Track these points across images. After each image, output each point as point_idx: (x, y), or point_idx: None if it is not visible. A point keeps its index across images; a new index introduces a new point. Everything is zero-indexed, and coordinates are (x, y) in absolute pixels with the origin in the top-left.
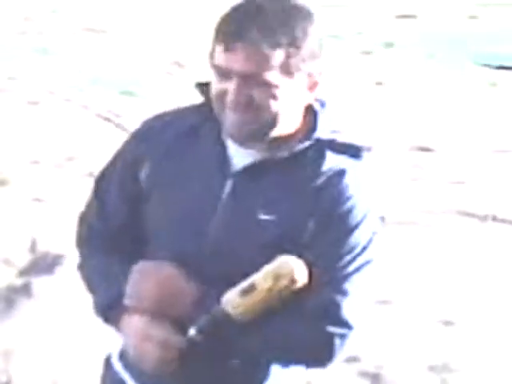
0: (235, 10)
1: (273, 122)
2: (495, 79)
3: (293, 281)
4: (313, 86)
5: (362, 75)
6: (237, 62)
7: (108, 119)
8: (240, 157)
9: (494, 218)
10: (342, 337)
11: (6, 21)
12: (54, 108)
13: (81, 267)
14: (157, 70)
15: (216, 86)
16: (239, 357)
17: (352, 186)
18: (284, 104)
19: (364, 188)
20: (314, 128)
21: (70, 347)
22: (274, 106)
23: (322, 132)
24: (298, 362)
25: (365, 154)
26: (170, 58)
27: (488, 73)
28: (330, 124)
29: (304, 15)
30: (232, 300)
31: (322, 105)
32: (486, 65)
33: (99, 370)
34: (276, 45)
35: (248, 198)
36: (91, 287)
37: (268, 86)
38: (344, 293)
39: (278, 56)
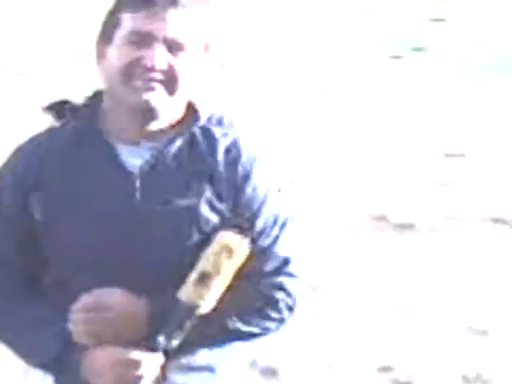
0: None
1: (180, 94)
2: None
3: (235, 253)
4: (206, 61)
5: (391, 80)
6: (162, 25)
7: None
8: (134, 154)
9: None
10: (288, 306)
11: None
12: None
13: None
14: None
15: (126, 55)
16: (205, 346)
17: (250, 156)
18: (190, 76)
19: (257, 153)
20: (197, 116)
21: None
22: (187, 79)
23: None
24: (253, 335)
25: (230, 121)
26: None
27: None
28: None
29: None
30: (190, 295)
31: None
32: None
33: None
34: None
35: (157, 191)
36: (19, 343)
37: (187, 56)
38: (279, 258)
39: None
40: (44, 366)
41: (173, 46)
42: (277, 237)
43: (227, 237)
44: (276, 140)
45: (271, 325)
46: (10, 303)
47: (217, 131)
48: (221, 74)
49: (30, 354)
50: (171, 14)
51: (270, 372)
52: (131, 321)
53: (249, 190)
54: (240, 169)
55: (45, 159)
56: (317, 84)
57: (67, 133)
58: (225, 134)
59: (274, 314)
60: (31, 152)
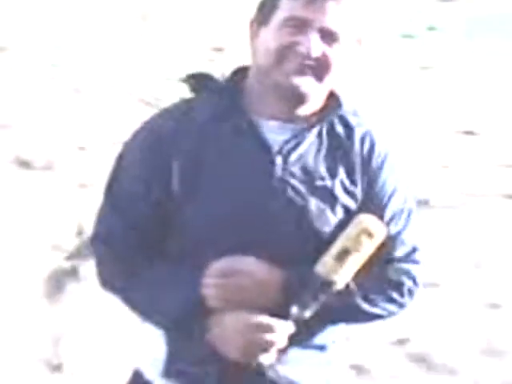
0: None
1: (328, 82)
2: None
3: (374, 236)
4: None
5: (405, 60)
6: (320, 14)
7: (150, 104)
8: (276, 132)
9: None
10: (410, 291)
11: (51, 8)
12: (97, 94)
13: (123, 286)
14: (198, 55)
15: (282, 38)
16: (331, 323)
17: (381, 143)
18: (341, 66)
19: (383, 141)
20: (339, 102)
21: (119, 329)
22: (337, 69)
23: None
24: (377, 318)
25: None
26: (211, 43)
27: None
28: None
29: None
30: (329, 268)
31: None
32: None
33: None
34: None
35: (299, 170)
36: (151, 301)
37: (340, 47)
38: (404, 243)
39: (354, 17)
40: (170, 328)
41: (328, 36)
42: (405, 225)
43: (368, 220)
44: None
45: (393, 308)
46: (140, 265)
47: (353, 120)
48: None
49: (157, 315)
50: (331, 4)
51: None
52: (265, 288)
53: (381, 180)
54: (374, 159)
55: (185, 130)
56: None
57: (208, 106)
58: (359, 124)
59: (398, 299)
60: (167, 124)
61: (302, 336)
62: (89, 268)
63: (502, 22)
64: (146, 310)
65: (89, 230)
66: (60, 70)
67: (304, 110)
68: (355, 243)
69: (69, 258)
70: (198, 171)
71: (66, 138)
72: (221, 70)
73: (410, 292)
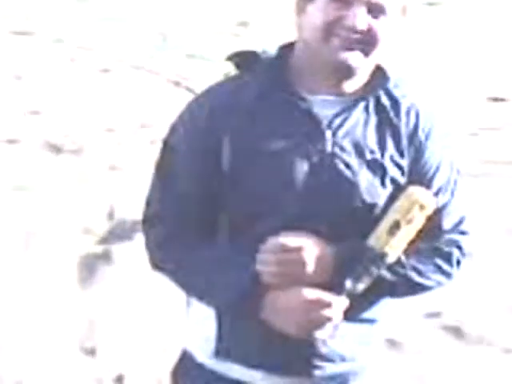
0: None
1: (375, 56)
2: None
3: (425, 209)
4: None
5: (429, 25)
6: None
7: (178, 83)
8: (325, 107)
9: None
10: (458, 261)
11: None
12: (124, 75)
13: (176, 267)
14: (222, 31)
15: (328, 13)
16: (384, 297)
17: (425, 115)
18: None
19: (428, 112)
20: (384, 70)
21: (152, 313)
22: (384, 42)
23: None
24: (426, 290)
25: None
26: (235, 18)
27: None
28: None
29: None
30: (381, 242)
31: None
32: None
33: (182, 334)
34: None
35: (348, 143)
36: (206, 281)
37: (386, 20)
38: (454, 215)
39: None
40: (226, 307)
41: (374, 9)
42: (452, 196)
43: (418, 192)
44: None
45: (443, 279)
46: (194, 245)
47: (397, 93)
48: None
49: (213, 295)
50: None
51: None
52: (319, 263)
53: (427, 152)
54: (420, 131)
55: (235, 108)
56: None
57: (256, 83)
58: (403, 96)
59: (448, 269)
60: (216, 101)
61: (355, 310)
62: (121, 251)
63: None
64: (200, 290)
65: (120, 213)
66: (87, 52)
67: (351, 84)
68: (406, 215)
69: (100, 241)
70: (249, 148)
71: (95, 120)
72: (247, 45)
73: (458, 262)
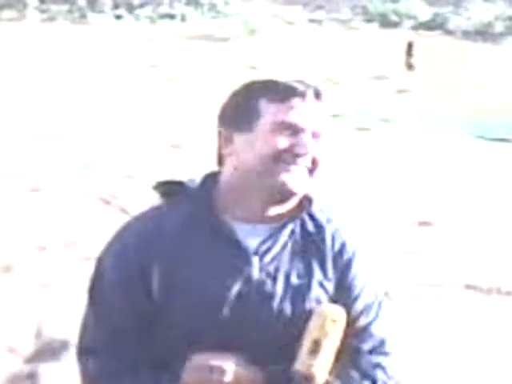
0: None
1: (316, 179)
2: (491, 151)
3: (338, 323)
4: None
5: (359, 151)
6: (308, 116)
7: (108, 202)
8: (251, 233)
9: (499, 291)
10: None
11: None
12: (54, 194)
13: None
14: (155, 152)
15: (276, 142)
16: None
17: (350, 239)
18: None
19: (355, 236)
20: (310, 200)
21: None
22: (322, 165)
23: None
24: None
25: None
26: (168, 141)
27: (483, 145)
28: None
29: None
30: (306, 364)
31: None
32: (480, 137)
33: None
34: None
35: (274, 269)
36: None
37: (321, 144)
38: (375, 339)
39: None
40: None
41: (315, 135)
42: (374, 318)
43: (327, 307)
44: None
45: None
46: (127, 377)
47: (322, 217)
48: None
49: None
50: (315, 105)
51: None
52: None
53: (351, 275)
54: (345, 255)
55: (160, 236)
56: None
57: (182, 211)
58: (328, 221)
59: None
60: (143, 230)
61: None
62: (48, 371)
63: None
64: None
65: (48, 332)
66: (18, 169)
67: (278, 210)
68: (322, 332)
69: (27, 361)
70: (176, 276)
71: (25, 238)
72: (179, 166)
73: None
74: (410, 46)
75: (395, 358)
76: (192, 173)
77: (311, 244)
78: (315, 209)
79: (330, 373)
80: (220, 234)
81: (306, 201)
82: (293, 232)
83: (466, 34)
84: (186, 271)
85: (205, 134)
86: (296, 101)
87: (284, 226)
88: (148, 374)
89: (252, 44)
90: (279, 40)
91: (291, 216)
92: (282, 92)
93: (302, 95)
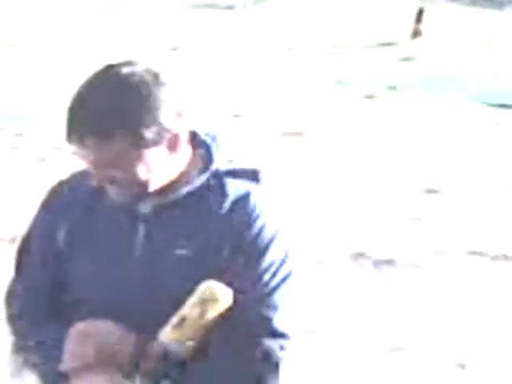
0: (71, 108)
1: (143, 186)
2: (498, 118)
3: (218, 302)
4: (173, 144)
5: (366, 119)
6: (86, 154)
7: None
8: (145, 203)
9: (506, 257)
10: (281, 347)
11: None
12: (61, 164)
13: (18, 344)
14: None
15: None
16: None
17: (258, 207)
18: (145, 169)
19: (270, 206)
20: (210, 161)
21: None
22: (136, 175)
23: (219, 163)
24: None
25: (263, 177)
26: None
27: (490, 111)
28: (225, 154)
29: (138, 93)
30: (168, 335)
31: (213, 139)
32: (486, 103)
33: None
34: (113, 133)
35: (161, 237)
36: (33, 361)
37: (119, 165)
38: (273, 307)
39: (117, 140)
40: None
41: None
42: (272, 288)
43: (211, 286)
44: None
45: (267, 368)
46: (29, 327)
47: (228, 182)
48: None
49: (40, 377)
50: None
51: None
52: (116, 353)
53: (247, 246)
54: (242, 223)
55: (69, 201)
56: (294, 126)
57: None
58: (231, 186)
59: (264, 357)
60: (59, 193)
61: None
62: None
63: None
64: (33, 370)
65: None
66: (24, 139)
67: (161, 181)
68: (195, 310)
69: None
70: (75, 240)
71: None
72: None
73: (281, 347)
74: (420, 12)
75: (289, 336)
76: None
77: (206, 211)
78: (225, 174)
79: (195, 349)
80: (116, 201)
81: (204, 166)
82: (186, 198)
83: (474, 1)
84: (84, 236)
85: (210, 103)
86: (80, 141)
87: (175, 191)
88: (47, 328)
89: (258, 12)
90: (285, 8)
91: (183, 182)
92: (69, 131)
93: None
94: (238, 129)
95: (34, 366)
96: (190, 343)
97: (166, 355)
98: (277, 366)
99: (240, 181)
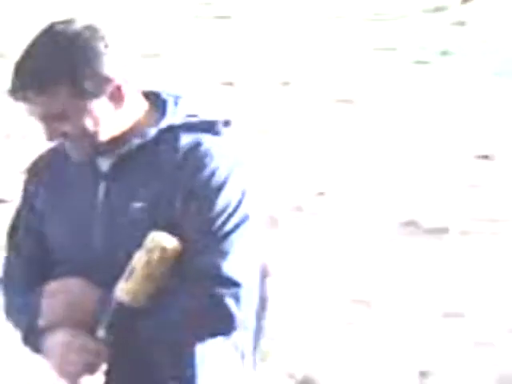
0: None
1: (93, 138)
2: None
3: (164, 250)
4: (116, 96)
5: (417, 85)
6: (32, 109)
7: None
8: (103, 161)
9: None
10: (234, 296)
11: None
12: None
13: (6, 306)
14: (207, 90)
15: None
16: (150, 345)
17: (209, 154)
18: (92, 121)
19: (223, 154)
20: (163, 116)
21: None
22: (84, 127)
23: (174, 118)
24: (203, 332)
25: (223, 129)
26: (220, 78)
27: None
28: (184, 110)
29: (75, 45)
30: (120, 288)
31: (176, 98)
32: None
33: None
34: (53, 84)
35: (118, 192)
36: (17, 322)
37: (65, 118)
38: (224, 253)
39: (58, 93)
40: (25, 344)
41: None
42: (223, 234)
43: (155, 234)
44: (306, 150)
45: (217, 325)
46: (19, 288)
47: (182, 136)
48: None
49: (21, 334)
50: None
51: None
52: (82, 310)
53: (200, 199)
54: (194, 175)
55: (50, 165)
56: (344, 94)
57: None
58: (188, 138)
59: (217, 312)
60: (44, 158)
61: (132, 356)
62: None
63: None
64: (16, 328)
65: None
66: None
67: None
68: (141, 259)
69: None
70: (50, 202)
71: None
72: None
73: (233, 296)
74: None
75: (244, 284)
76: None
77: (161, 165)
78: (180, 127)
79: (148, 300)
80: (76, 160)
81: (153, 121)
82: (138, 150)
83: None
84: (55, 199)
85: (258, 72)
86: (22, 95)
87: (126, 146)
88: (30, 290)
89: None
90: None
91: (135, 134)
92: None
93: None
94: (287, 97)
95: (15, 325)
96: (141, 294)
97: (120, 308)
98: (229, 315)
99: (195, 134)
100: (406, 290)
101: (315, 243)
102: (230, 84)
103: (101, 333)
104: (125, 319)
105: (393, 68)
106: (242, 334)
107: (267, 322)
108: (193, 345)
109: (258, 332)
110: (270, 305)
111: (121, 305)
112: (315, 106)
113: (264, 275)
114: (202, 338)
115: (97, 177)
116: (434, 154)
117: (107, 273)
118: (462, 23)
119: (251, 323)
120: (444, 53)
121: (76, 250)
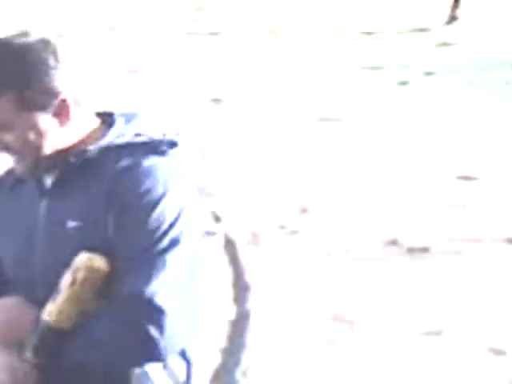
0: None
1: (35, 152)
2: None
3: (90, 270)
4: (62, 111)
5: (402, 105)
6: None
7: None
8: (48, 177)
9: None
10: (156, 323)
11: None
12: None
13: None
14: (196, 107)
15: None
16: (81, 368)
17: (147, 173)
18: (36, 134)
19: (162, 172)
20: (103, 136)
21: None
22: (27, 139)
23: (118, 137)
24: (129, 356)
25: (168, 150)
26: (208, 95)
27: None
28: (135, 129)
29: (24, 57)
30: (47, 309)
31: (132, 116)
32: None
33: None
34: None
35: (59, 210)
36: None
37: (9, 128)
38: (151, 276)
39: (4, 102)
40: None
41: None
42: (151, 257)
43: (84, 257)
44: (290, 168)
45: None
46: None
47: (122, 155)
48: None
49: None
50: None
51: None
52: (18, 329)
53: (131, 217)
54: (127, 195)
55: (6, 180)
56: (331, 113)
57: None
58: (128, 158)
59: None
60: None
61: (64, 379)
62: None
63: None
64: None
65: None
66: None
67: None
68: (67, 280)
69: None
70: (0, 214)
71: None
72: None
73: (156, 323)
74: None
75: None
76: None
77: (95, 183)
78: (119, 145)
79: (76, 318)
80: (21, 175)
81: (96, 140)
82: (74, 170)
83: None
84: (5, 217)
85: (245, 90)
86: None
87: (66, 163)
88: None
89: None
90: None
91: (74, 153)
92: None
93: None
94: (273, 114)
95: None
96: (66, 315)
97: (46, 329)
98: (151, 341)
99: (138, 154)
100: (387, 308)
101: (297, 261)
102: (218, 101)
103: (27, 354)
104: (51, 340)
105: (377, 87)
106: (176, 360)
107: (250, 339)
108: (125, 368)
109: (240, 348)
110: (253, 321)
111: (47, 326)
112: (300, 124)
113: (246, 290)
114: (131, 362)
115: (41, 194)
116: (417, 174)
117: (47, 292)
118: (445, 44)
119: (189, 346)
120: (427, 73)
121: (19, 269)
